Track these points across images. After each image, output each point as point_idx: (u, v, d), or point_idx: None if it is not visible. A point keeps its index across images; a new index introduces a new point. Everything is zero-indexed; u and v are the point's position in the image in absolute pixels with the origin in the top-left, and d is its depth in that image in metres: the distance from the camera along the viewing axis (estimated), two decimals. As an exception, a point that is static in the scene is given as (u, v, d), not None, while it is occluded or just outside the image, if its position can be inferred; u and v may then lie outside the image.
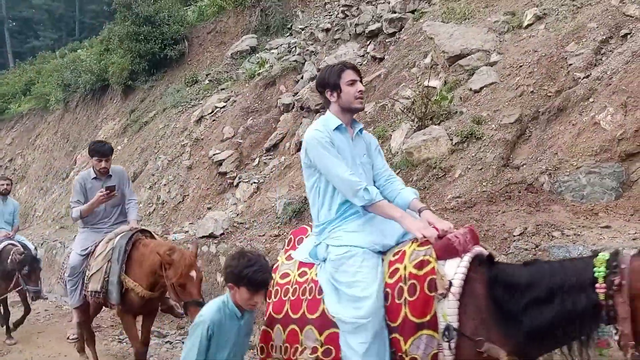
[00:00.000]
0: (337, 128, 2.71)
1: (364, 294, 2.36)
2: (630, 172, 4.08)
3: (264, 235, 6.35)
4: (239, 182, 8.64)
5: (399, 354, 2.30)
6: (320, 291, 2.59)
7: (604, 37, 5.17)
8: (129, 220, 4.71)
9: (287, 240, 3.07)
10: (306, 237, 2.95)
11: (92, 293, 4.32)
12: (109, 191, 4.50)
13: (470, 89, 5.79)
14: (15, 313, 6.95)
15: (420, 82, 6.33)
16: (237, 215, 7.74)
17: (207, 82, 12.34)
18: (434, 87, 6.15)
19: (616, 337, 1.95)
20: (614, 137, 4.17)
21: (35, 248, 6.94)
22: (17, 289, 6.22)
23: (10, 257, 6.06)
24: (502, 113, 5.11)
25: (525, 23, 6.21)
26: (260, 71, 10.64)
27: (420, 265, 2.31)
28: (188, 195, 9.46)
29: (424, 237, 2.36)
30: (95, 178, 4.71)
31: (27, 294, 6.04)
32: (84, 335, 4.92)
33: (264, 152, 9.14)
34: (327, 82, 2.75)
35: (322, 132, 2.66)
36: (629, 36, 5.02)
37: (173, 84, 13.61)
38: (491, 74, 5.77)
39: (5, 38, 52.61)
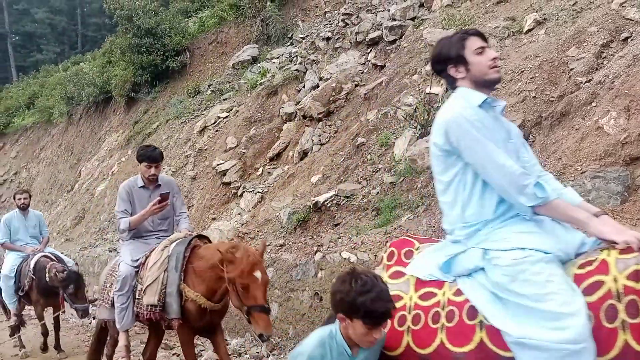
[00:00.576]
0: (482, 105, 2.14)
1: (566, 309, 1.78)
2: (635, 176, 4.07)
3: (269, 245, 6.34)
4: (243, 192, 8.66)
5: None
6: (472, 315, 1.96)
7: (605, 41, 5.17)
8: (180, 229, 4.33)
9: (386, 254, 2.40)
10: (416, 250, 2.33)
11: (148, 307, 3.81)
12: (162, 201, 4.05)
13: (473, 95, 5.79)
14: (31, 330, 6.96)
15: (422, 89, 6.35)
16: (242, 225, 7.75)
17: (209, 92, 12.41)
18: (436, 94, 6.16)
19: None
20: (618, 141, 4.16)
21: (76, 264, 6.49)
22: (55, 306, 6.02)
23: (48, 273, 5.74)
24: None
25: (526, 28, 6.23)
26: (262, 81, 10.70)
27: (637, 276, 1.77)
28: (192, 205, 9.47)
29: (626, 243, 1.84)
30: (143, 187, 4.29)
31: (76, 313, 5.75)
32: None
33: (268, 161, 9.16)
34: (449, 56, 2.22)
35: (471, 109, 2.10)
36: (629, 40, 5.02)
37: (175, 95, 13.69)
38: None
39: (8, 52, 53.03)
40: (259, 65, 11.64)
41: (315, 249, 5.42)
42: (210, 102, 12.00)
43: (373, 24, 9.30)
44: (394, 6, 9.20)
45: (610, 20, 5.31)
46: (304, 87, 9.69)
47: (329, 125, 8.49)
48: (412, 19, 8.70)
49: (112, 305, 4.09)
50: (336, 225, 5.81)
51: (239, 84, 11.73)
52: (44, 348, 6.38)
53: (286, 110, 9.46)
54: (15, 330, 6.40)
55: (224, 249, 3.42)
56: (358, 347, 2.00)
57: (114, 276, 4.16)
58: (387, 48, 8.73)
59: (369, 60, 8.93)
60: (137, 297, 3.94)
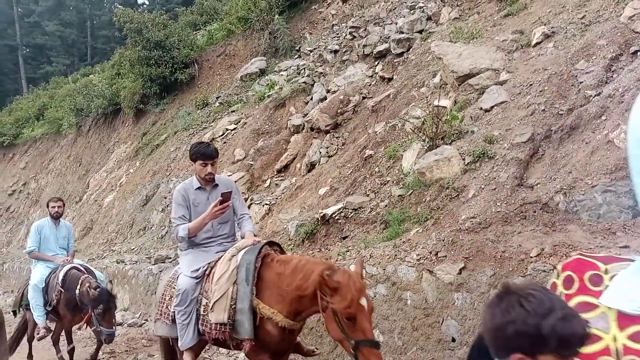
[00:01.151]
0: None
1: None
2: (647, 190, 4.04)
3: (276, 257, 6.32)
4: (251, 203, 8.65)
5: None
6: None
7: (614, 55, 5.16)
8: (244, 233, 3.84)
9: (560, 280, 1.84)
10: (605, 273, 1.75)
11: (217, 326, 3.34)
12: (224, 201, 3.62)
13: (481, 108, 5.79)
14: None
15: (430, 102, 6.35)
16: (250, 237, 7.73)
17: (217, 104, 12.48)
18: (444, 107, 6.16)
19: None
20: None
21: (110, 281, 6.00)
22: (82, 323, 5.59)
23: (80, 287, 5.31)
24: (514, 132, 5.10)
25: (534, 41, 6.23)
26: (269, 93, 10.75)
27: None
28: (200, 217, 9.48)
29: None
30: (199, 188, 3.82)
31: (100, 336, 5.27)
32: None
33: (275, 173, 9.17)
34: None
35: None
36: (639, 53, 5.01)
37: (184, 107, 13.78)
38: (501, 93, 5.77)
39: (19, 64, 53.76)
40: (266, 77, 11.72)
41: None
42: (218, 114, 12.07)
43: (380, 37, 9.35)
44: (402, 19, 9.24)
45: (619, 34, 5.30)
46: (311, 99, 9.73)
47: (336, 138, 8.50)
48: (420, 31, 8.74)
49: (173, 320, 3.67)
50: (344, 238, 5.79)
51: (246, 96, 11.79)
52: None
53: (294, 123, 9.49)
54: (55, 344, 5.95)
55: (321, 271, 2.89)
56: None
57: (174, 288, 3.75)
58: (394, 61, 8.76)
59: (377, 73, 8.96)
60: (202, 313, 3.48)
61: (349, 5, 12.03)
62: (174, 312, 3.64)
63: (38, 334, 5.99)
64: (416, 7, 9.32)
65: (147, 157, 13.39)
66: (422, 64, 7.88)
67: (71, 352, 5.90)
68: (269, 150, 9.61)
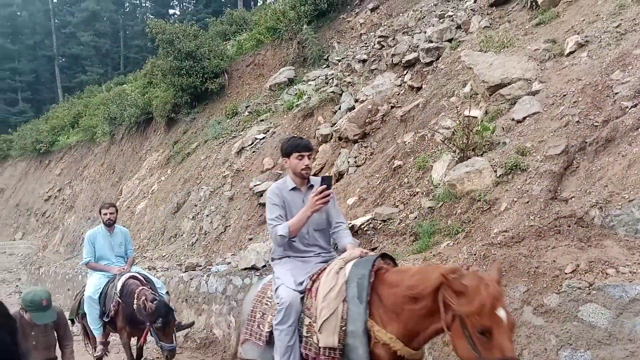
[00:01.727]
0: None
1: None
2: (688, 205, 3.92)
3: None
4: (279, 212, 8.72)
5: None
6: None
7: (652, 64, 5.04)
8: (344, 245, 3.36)
9: None
10: None
11: (325, 351, 2.89)
12: (325, 189, 3.20)
13: (513, 119, 5.72)
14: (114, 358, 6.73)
15: (460, 112, 6.30)
16: (278, 246, 7.79)
17: (246, 113, 12.65)
18: (475, 117, 6.10)
19: None
20: (668, 168, 4.03)
21: (167, 292, 5.64)
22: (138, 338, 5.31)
23: (136, 300, 5.00)
24: (548, 144, 5.02)
25: (567, 51, 6.12)
26: (298, 102, 10.84)
27: None
28: (230, 225, 9.61)
29: None
30: (294, 189, 3.45)
31: (162, 352, 4.95)
32: None
33: (304, 182, 9.23)
34: None
35: None
36: (678, 62, 4.88)
37: (214, 116, 14.02)
38: (534, 104, 5.69)
39: (55, 74, 55.62)
40: (295, 87, 11.82)
41: (352, 273, 5.40)
42: (248, 123, 12.23)
43: (409, 46, 9.33)
44: (431, 28, 9.21)
45: (657, 43, 5.17)
46: (339, 108, 9.77)
47: (364, 147, 8.51)
48: (449, 40, 8.70)
49: (267, 342, 3.24)
50: (373, 250, 5.78)
51: (275, 106, 11.92)
52: None
53: (322, 132, 9.54)
54: (126, 347, 5.63)
55: (444, 272, 2.45)
56: None
57: (266, 303, 3.35)
58: (423, 70, 8.73)
59: (405, 82, 8.94)
60: (304, 334, 3.05)
61: (377, 14, 12.06)
62: (269, 331, 3.20)
63: (96, 353, 5.82)
64: (445, 15, 9.28)
65: (178, 165, 13.66)
66: (451, 73, 7.83)
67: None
68: (298, 159, 9.68)
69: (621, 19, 5.97)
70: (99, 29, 54.73)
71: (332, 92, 10.19)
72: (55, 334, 4.36)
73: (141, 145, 17.79)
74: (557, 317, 3.55)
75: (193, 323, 6.34)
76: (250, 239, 8.72)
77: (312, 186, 3.47)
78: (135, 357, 5.65)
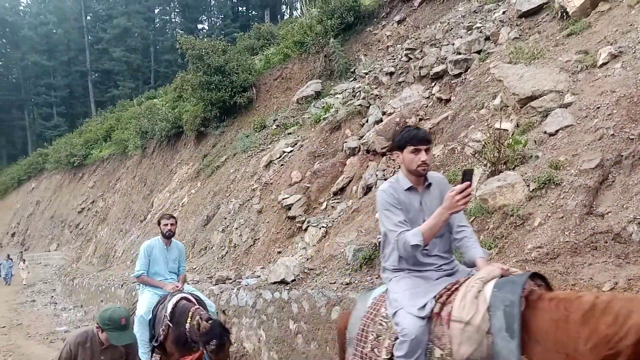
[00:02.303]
0: None
1: None
2: None
3: (334, 282, 6.37)
4: (308, 226, 8.77)
5: None
6: None
7: (690, 75, 4.91)
8: (472, 258, 2.81)
9: None
10: None
11: None
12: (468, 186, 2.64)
13: (545, 132, 5.63)
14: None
15: (491, 125, 6.24)
16: (307, 260, 7.83)
17: (274, 127, 12.79)
18: (506, 130, 6.04)
19: None
20: None
21: (223, 311, 5.32)
22: None
23: (189, 320, 4.66)
24: (582, 157, 4.93)
25: (600, 62, 6.01)
26: (325, 116, 10.91)
27: None
28: (259, 238, 9.70)
29: None
30: (410, 189, 2.92)
31: None
32: None
33: (332, 195, 9.26)
34: None
35: None
36: None
37: (242, 130, 14.22)
38: (567, 116, 5.60)
39: (88, 89, 57.38)
40: (322, 100, 11.91)
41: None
42: (276, 136, 12.36)
43: (437, 58, 9.30)
44: (459, 40, 9.17)
45: (695, 53, 5.04)
46: (367, 121, 9.79)
47: (393, 160, 8.49)
48: (478, 52, 8.64)
49: None
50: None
51: (303, 119, 12.02)
52: None
53: (349, 145, 9.56)
54: None
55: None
56: None
57: (381, 324, 2.85)
58: (452, 82, 8.68)
59: (434, 94, 8.91)
60: None
61: (404, 26, 12.07)
62: (388, 359, 2.71)
63: None
64: (474, 27, 9.23)
65: (208, 178, 13.88)
66: (481, 85, 7.77)
67: None
68: (325, 172, 9.73)
69: (656, 29, 5.84)
70: (130, 44, 56.37)
71: (359, 105, 10.22)
72: None
73: (172, 159, 18.15)
74: (595, 337, 3.47)
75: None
76: (279, 252, 8.77)
77: (430, 185, 2.96)
78: None
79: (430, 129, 8.01)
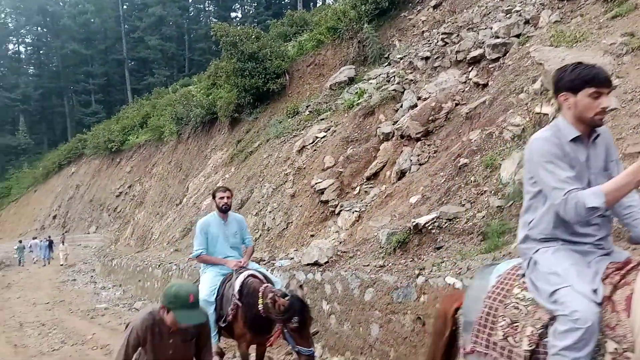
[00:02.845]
0: None
1: None
2: None
3: (368, 265, 6.40)
4: (341, 210, 8.82)
5: None
6: None
7: None
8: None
9: None
10: None
11: None
12: None
13: (587, 116, 5.49)
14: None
15: (530, 109, 6.13)
16: (340, 243, 7.89)
17: (307, 113, 12.84)
18: (546, 114, 5.91)
19: None
20: None
21: (301, 286, 4.91)
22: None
23: (262, 299, 4.27)
24: (626, 141, 4.79)
25: (647, 44, 5.81)
26: (359, 101, 10.89)
27: None
28: (292, 222, 9.81)
29: None
30: (576, 139, 2.35)
31: (299, 357, 4.05)
32: None
33: (365, 180, 9.27)
34: None
35: None
36: None
37: (275, 116, 14.33)
38: (611, 100, 5.44)
39: (125, 77, 58.68)
40: (355, 85, 11.87)
41: (417, 272, 5.39)
42: (309, 122, 12.41)
43: (474, 42, 9.15)
44: (497, 23, 8.99)
45: None
46: (401, 106, 9.72)
47: (427, 145, 8.43)
48: (517, 36, 8.45)
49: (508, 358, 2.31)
50: (438, 249, 5.74)
51: (336, 105, 12.02)
52: None
53: (383, 130, 9.53)
54: None
55: None
56: None
57: (516, 307, 2.37)
58: (489, 66, 8.53)
59: (470, 79, 8.77)
60: None
61: (440, 11, 11.88)
62: (529, 351, 2.23)
63: None
64: (513, 11, 9.02)
65: (242, 163, 14.07)
66: (519, 69, 7.61)
67: None
68: (359, 157, 9.73)
69: None
70: (165, 32, 57.28)
71: (393, 90, 10.15)
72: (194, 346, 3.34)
73: (206, 144, 18.46)
74: None
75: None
76: (312, 236, 8.86)
77: (598, 136, 2.39)
78: None
79: (467, 113, 7.91)
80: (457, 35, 9.92)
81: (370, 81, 11.52)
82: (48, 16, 63.32)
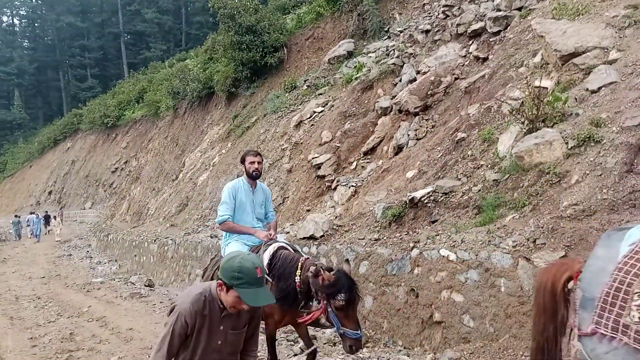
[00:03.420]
0: None
1: None
2: None
3: (363, 238, 6.40)
4: (337, 185, 8.78)
5: None
6: None
7: None
8: None
9: None
10: None
11: None
12: None
13: (587, 89, 5.42)
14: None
15: (530, 82, 6.03)
16: (336, 217, 7.87)
17: (305, 87, 12.69)
18: (545, 88, 5.83)
19: None
20: None
21: (347, 260, 4.20)
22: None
23: (301, 271, 3.69)
24: (625, 115, 4.73)
25: (651, 16, 5.70)
26: (357, 75, 10.75)
27: None
28: (288, 197, 9.78)
29: None
30: None
31: (343, 342, 3.52)
32: None
33: (362, 155, 9.21)
34: None
35: None
36: None
37: (273, 90, 14.16)
38: (610, 73, 5.36)
39: (121, 50, 57.89)
40: (354, 59, 11.71)
41: (411, 245, 5.38)
42: (306, 96, 12.27)
43: (476, 15, 8.99)
44: (499, -4, 8.81)
45: None
46: (400, 81, 9.61)
47: (426, 120, 8.35)
48: (519, 9, 8.30)
49: None
50: (433, 222, 5.72)
51: (334, 79, 11.88)
52: None
53: (381, 105, 9.43)
54: (271, 348, 4.11)
55: None
56: None
57: (633, 281, 1.91)
58: (490, 40, 8.40)
59: (471, 53, 8.65)
60: None
61: (441, -17, 11.64)
62: None
63: None
64: (515, -17, 8.83)
65: (238, 138, 13.97)
66: (520, 42, 7.48)
67: (312, 355, 4.03)
68: (356, 132, 9.65)
69: None
70: (162, 5, 56.27)
71: (392, 63, 10.01)
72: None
73: (203, 119, 18.30)
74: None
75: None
76: (308, 211, 8.84)
77: None
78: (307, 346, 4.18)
79: (466, 87, 7.82)
80: (459, 8, 9.75)
81: (369, 55, 11.36)
82: (42, -12, 62.15)
